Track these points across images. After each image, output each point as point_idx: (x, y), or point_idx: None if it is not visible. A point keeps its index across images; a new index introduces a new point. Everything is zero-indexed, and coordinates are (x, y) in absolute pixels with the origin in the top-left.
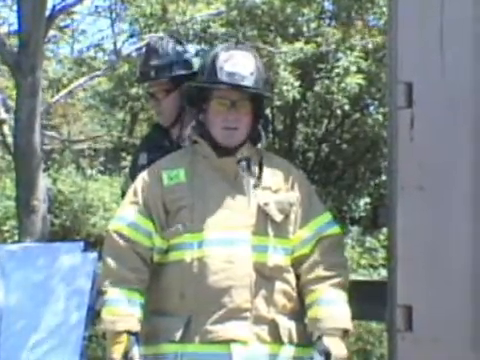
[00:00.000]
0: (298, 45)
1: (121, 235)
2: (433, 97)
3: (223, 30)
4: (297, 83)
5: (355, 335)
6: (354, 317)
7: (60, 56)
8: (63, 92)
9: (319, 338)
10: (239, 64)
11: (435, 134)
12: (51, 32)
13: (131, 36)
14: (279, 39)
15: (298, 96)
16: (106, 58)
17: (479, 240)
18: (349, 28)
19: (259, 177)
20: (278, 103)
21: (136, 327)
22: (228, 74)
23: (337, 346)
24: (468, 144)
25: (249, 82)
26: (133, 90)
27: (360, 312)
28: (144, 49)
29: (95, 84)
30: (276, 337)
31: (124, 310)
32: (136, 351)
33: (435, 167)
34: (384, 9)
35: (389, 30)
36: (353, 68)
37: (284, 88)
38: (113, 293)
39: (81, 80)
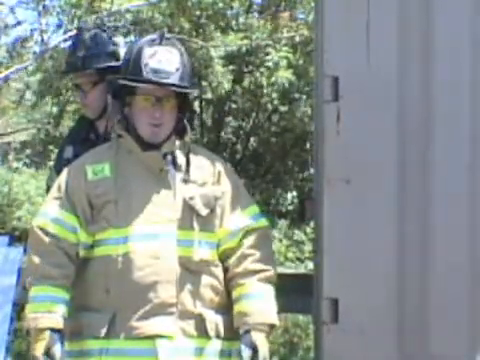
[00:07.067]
0: (229, 38)
1: (45, 231)
2: (359, 91)
3: (155, 21)
4: (230, 77)
5: (282, 327)
6: (281, 309)
7: None
8: None
9: (247, 332)
10: (164, 60)
11: (361, 128)
12: None
13: (59, 26)
14: (212, 32)
15: (229, 89)
16: (35, 49)
17: (404, 233)
18: (276, 21)
19: (187, 171)
20: (209, 96)
21: (59, 324)
22: (153, 71)
23: (263, 342)
24: (393, 138)
25: (174, 79)
26: (61, 82)
27: (287, 305)
28: (71, 40)
29: (24, 76)
30: (203, 331)
31: (47, 307)
32: (58, 348)
33: (361, 160)
34: (312, 4)
35: (316, 25)
36: (283, 62)
37: (216, 81)
38: (37, 290)
39: (6, 72)
